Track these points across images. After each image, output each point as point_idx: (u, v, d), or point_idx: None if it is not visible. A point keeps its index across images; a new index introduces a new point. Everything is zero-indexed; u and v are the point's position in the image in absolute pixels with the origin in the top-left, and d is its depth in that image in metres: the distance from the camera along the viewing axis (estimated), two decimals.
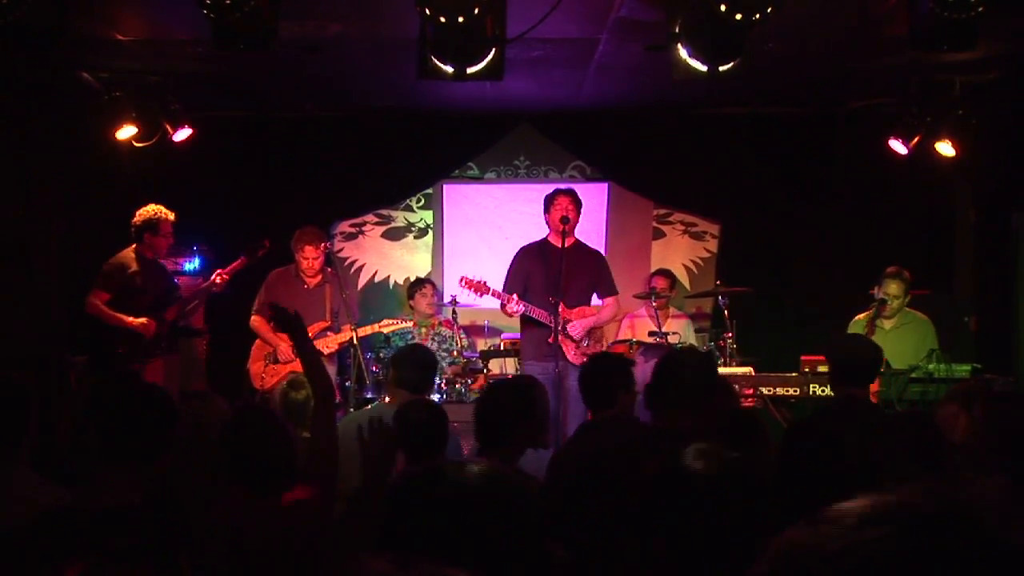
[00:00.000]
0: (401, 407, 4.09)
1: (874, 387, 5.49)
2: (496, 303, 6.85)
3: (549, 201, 6.84)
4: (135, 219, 7.03)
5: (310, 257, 7.14)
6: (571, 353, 6.71)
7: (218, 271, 7.23)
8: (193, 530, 3.07)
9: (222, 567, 2.90)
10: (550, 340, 6.53)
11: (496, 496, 1.65)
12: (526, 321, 6.79)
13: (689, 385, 3.70)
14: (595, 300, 7.07)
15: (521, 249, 7.02)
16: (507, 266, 6.99)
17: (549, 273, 6.67)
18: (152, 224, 7.00)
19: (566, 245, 6.71)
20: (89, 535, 2.30)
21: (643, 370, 5.94)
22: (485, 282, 6.83)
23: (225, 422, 3.68)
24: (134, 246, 7.05)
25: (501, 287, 6.81)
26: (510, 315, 6.97)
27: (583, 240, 7.13)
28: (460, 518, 1.61)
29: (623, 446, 3.58)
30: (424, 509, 1.62)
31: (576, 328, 6.73)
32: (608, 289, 7.03)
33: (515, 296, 6.67)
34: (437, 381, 7.23)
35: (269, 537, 3.08)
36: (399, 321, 7.54)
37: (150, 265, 7.09)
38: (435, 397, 7.13)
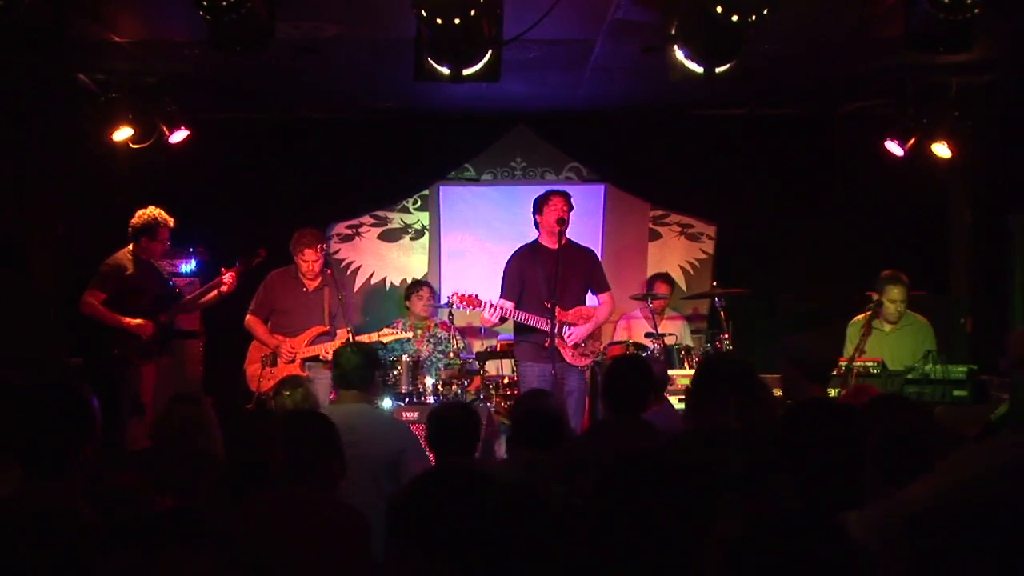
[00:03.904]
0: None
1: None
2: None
3: (542, 202, 6.76)
4: (134, 220, 6.96)
5: (310, 260, 7.11)
6: (569, 354, 6.70)
7: (225, 268, 7.13)
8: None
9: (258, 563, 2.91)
10: (547, 344, 6.52)
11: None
12: (522, 324, 6.75)
13: (733, 384, 3.63)
14: (590, 298, 7.01)
15: (514, 254, 6.95)
16: (503, 268, 6.94)
17: (544, 276, 6.64)
18: (151, 228, 6.95)
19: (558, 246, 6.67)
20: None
21: None
22: (476, 296, 6.76)
23: (209, 426, 3.80)
24: (131, 246, 6.99)
25: (496, 296, 6.78)
26: (485, 324, 6.98)
27: (578, 241, 7.08)
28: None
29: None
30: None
31: (574, 337, 6.71)
32: (601, 286, 6.97)
33: (499, 306, 6.64)
34: (432, 382, 7.21)
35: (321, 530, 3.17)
36: (398, 331, 7.52)
37: (146, 267, 7.05)
38: (430, 399, 7.11)
